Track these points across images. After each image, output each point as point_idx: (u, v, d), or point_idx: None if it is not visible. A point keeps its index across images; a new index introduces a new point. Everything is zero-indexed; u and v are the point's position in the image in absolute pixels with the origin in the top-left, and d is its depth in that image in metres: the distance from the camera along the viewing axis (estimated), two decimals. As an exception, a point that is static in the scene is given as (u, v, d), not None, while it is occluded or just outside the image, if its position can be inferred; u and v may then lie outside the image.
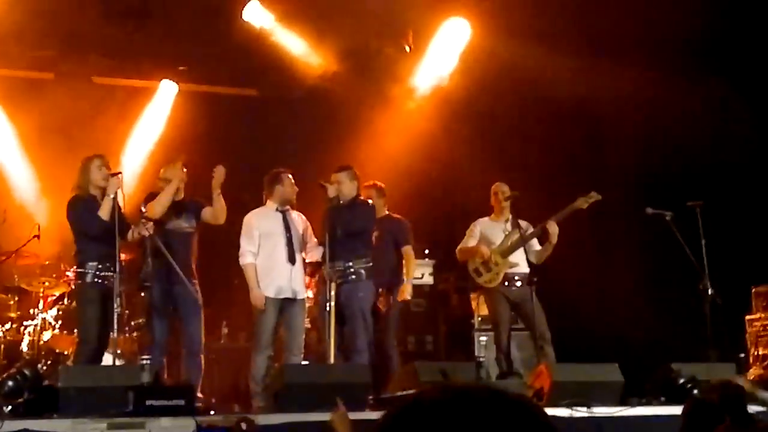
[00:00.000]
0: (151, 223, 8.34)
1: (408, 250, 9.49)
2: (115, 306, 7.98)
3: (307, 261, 9.07)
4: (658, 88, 10.40)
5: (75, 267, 8.47)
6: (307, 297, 9.06)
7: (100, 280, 8.20)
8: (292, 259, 8.68)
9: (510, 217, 9.35)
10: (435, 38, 12.07)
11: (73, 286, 9.25)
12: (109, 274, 8.16)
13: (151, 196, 8.66)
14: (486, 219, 9.53)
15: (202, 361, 8.56)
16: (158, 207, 8.44)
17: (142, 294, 8.68)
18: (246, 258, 8.69)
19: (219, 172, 8.51)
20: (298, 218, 8.92)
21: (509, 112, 11.45)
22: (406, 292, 9.40)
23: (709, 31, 10.03)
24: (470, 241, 9.44)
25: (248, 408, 8.43)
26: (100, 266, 8.19)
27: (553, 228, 9.09)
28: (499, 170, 10.69)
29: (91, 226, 8.18)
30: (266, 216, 8.82)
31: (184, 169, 8.76)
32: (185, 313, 8.55)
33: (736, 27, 10.18)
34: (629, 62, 10.63)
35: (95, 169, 8.34)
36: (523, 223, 9.29)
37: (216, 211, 8.60)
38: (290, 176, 8.90)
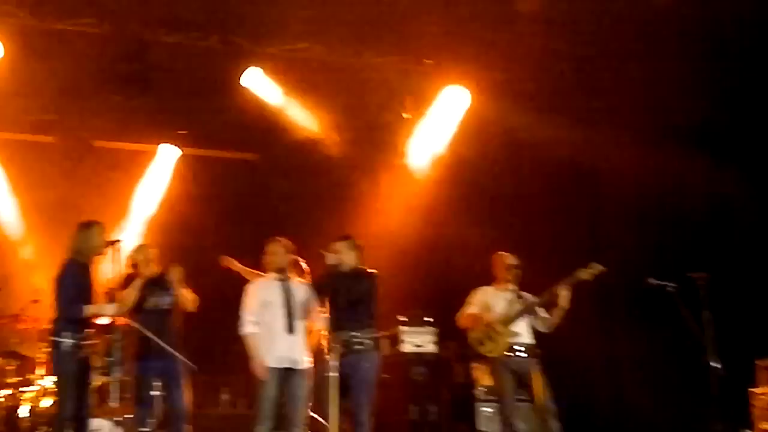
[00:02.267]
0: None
1: None
2: (112, 372, 8.08)
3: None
4: (658, 158, 10.44)
5: (51, 335, 8.19)
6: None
7: (78, 349, 8.09)
8: (290, 329, 8.62)
9: (514, 287, 9.30)
10: (434, 105, 12.14)
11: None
12: (87, 342, 8.15)
13: (126, 281, 8.67)
14: (489, 288, 9.47)
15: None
16: (127, 302, 8.51)
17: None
18: (246, 328, 8.63)
19: (174, 273, 8.86)
20: (300, 286, 8.87)
21: (509, 179, 11.50)
22: None
23: (709, 108, 10.11)
24: (471, 308, 9.34)
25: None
26: (78, 335, 8.11)
27: (563, 292, 9.02)
28: (499, 237, 10.71)
29: (88, 282, 8.13)
30: (266, 285, 8.78)
31: (151, 249, 8.90)
32: (169, 387, 8.67)
33: (736, 106, 10.25)
34: (629, 131, 10.71)
35: (95, 236, 8.29)
36: (525, 294, 9.25)
37: (184, 303, 8.93)
38: (280, 243, 8.86)
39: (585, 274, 8.98)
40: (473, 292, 9.46)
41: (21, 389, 9.85)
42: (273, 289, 8.73)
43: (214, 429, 10.10)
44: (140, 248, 9.00)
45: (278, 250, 8.83)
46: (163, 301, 8.83)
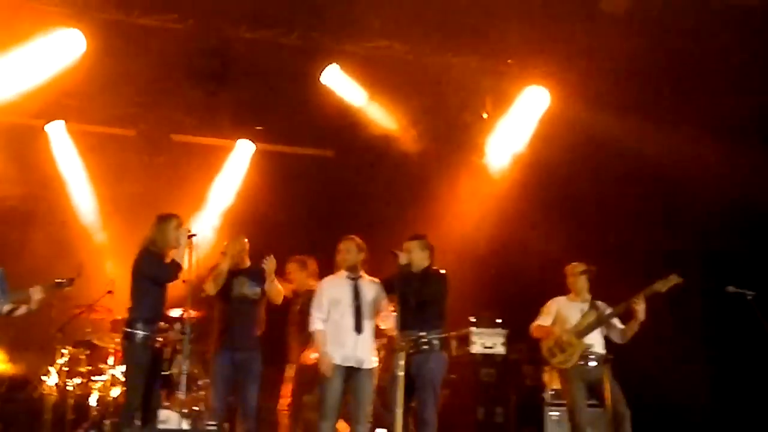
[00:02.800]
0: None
1: None
2: (183, 366, 8.09)
3: (382, 328, 9.04)
4: (744, 161, 10.18)
5: (125, 326, 8.31)
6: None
7: (150, 342, 8.20)
8: (359, 329, 8.59)
9: (589, 297, 9.18)
10: (514, 106, 12.01)
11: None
12: (159, 335, 8.29)
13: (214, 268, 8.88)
14: (563, 298, 9.35)
15: (256, 426, 8.71)
16: (212, 285, 8.77)
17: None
18: (315, 324, 8.65)
19: (270, 263, 8.80)
20: (370, 285, 8.83)
21: (587, 181, 11.30)
22: None
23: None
24: (546, 319, 9.26)
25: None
26: (151, 327, 8.21)
27: (639, 305, 8.88)
28: (573, 240, 10.56)
29: (166, 274, 8.22)
30: (336, 283, 8.76)
31: (246, 240, 9.01)
32: (243, 380, 8.74)
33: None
34: (713, 133, 10.43)
35: (172, 229, 8.36)
36: (600, 304, 9.11)
37: (271, 295, 8.94)
38: (353, 242, 8.83)
39: (662, 285, 8.82)
40: (549, 302, 9.35)
41: (92, 378, 9.98)
42: (343, 288, 8.72)
43: (279, 423, 10.12)
44: (237, 239, 9.08)
45: (351, 248, 8.83)
46: (251, 291, 8.92)
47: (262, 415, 9.10)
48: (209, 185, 12.59)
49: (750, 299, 8.75)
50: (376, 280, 8.84)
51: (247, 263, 9.01)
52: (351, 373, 8.55)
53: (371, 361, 8.68)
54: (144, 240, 8.40)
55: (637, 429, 8.81)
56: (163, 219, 8.42)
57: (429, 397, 8.39)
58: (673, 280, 8.83)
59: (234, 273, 8.88)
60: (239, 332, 8.77)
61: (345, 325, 8.61)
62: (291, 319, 9.55)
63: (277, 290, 8.96)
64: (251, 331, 8.84)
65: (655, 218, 11.27)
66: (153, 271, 8.23)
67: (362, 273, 8.82)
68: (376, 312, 8.75)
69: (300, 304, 9.37)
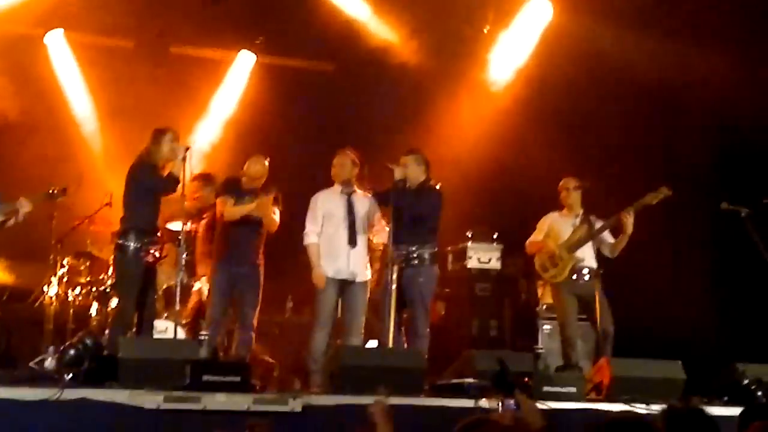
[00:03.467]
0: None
1: None
2: (178, 276, 8.18)
3: (375, 242, 9.12)
4: (745, 76, 10.07)
5: (117, 237, 8.35)
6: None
7: (143, 254, 8.22)
8: (352, 242, 8.69)
9: (581, 211, 9.23)
10: (515, 19, 11.88)
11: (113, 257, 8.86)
12: (153, 246, 8.29)
13: (228, 183, 8.92)
14: (556, 213, 9.45)
15: (252, 338, 8.77)
16: (233, 215, 8.73)
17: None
18: (309, 238, 8.74)
19: (272, 189, 8.85)
20: (364, 200, 8.88)
21: (587, 96, 11.18)
22: None
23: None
24: (539, 235, 9.37)
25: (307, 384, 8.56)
26: (146, 239, 8.23)
27: (628, 219, 8.94)
28: (572, 157, 10.54)
29: (162, 184, 8.24)
30: (330, 198, 8.83)
31: (266, 163, 8.93)
32: (243, 293, 8.80)
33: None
34: (716, 47, 10.28)
35: (166, 142, 8.37)
36: (592, 218, 9.16)
37: (269, 223, 8.88)
38: (348, 156, 8.84)
39: (652, 198, 8.88)
40: (543, 218, 9.42)
41: (92, 289, 10.10)
42: (336, 202, 8.79)
43: (279, 336, 10.29)
44: (256, 159, 9.00)
45: (345, 162, 8.87)
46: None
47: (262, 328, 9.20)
48: (210, 98, 12.55)
49: (744, 216, 8.79)
50: (369, 194, 8.89)
51: (260, 184, 8.93)
52: (344, 286, 8.66)
53: (364, 274, 8.78)
54: (140, 152, 8.43)
55: (624, 345, 8.95)
56: (159, 132, 8.42)
57: (420, 310, 8.53)
58: (663, 192, 8.90)
59: (243, 192, 8.86)
60: (243, 248, 8.80)
61: (338, 239, 8.70)
62: (200, 235, 9.60)
63: (273, 221, 8.89)
64: (254, 248, 8.85)
65: (654, 134, 11.21)
66: (148, 180, 8.25)
67: (355, 188, 8.86)
68: (369, 226, 8.82)
69: (208, 218, 9.44)
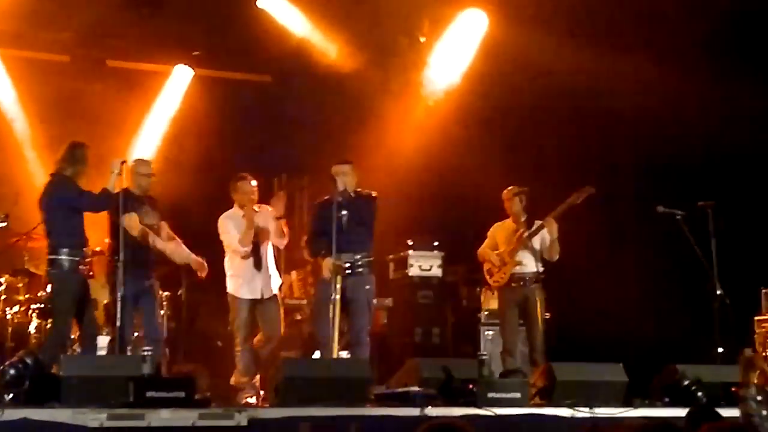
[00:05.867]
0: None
1: None
2: (118, 293, 8.04)
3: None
4: (676, 83, 10.25)
5: (49, 253, 8.23)
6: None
7: (77, 267, 8.14)
8: (257, 266, 8.90)
9: (524, 218, 9.34)
10: (450, 29, 11.96)
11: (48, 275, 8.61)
12: (85, 261, 8.21)
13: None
14: (499, 222, 9.58)
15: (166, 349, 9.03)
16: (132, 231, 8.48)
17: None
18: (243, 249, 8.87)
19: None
20: (262, 215, 8.94)
21: (524, 104, 11.34)
22: None
23: (730, 28, 9.93)
24: (486, 243, 9.52)
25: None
26: (77, 252, 8.15)
27: (551, 225, 9.11)
28: (510, 163, 10.66)
29: (101, 203, 8.13)
30: (235, 220, 8.95)
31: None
32: (146, 305, 8.69)
33: (756, 25, 10.06)
34: (648, 56, 10.53)
35: (81, 158, 8.29)
36: (537, 224, 9.27)
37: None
38: (244, 182, 8.96)
39: (576, 197, 9.10)
40: (492, 228, 9.56)
41: (31, 306, 9.97)
42: (240, 226, 8.92)
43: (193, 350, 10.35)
44: (142, 162, 9.02)
45: (247, 189, 8.97)
46: (147, 220, 8.70)
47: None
48: (147, 112, 12.46)
49: (679, 219, 8.97)
50: (268, 207, 8.98)
51: (148, 191, 8.84)
52: (256, 305, 8.93)
53: (271, 290, 9.01)
54: (57, 167, 8.33)
55: (564, 349, 9.07)
56: (81, 147, 8.36)
57: (364, 320, 8.57)
58: (587, 190, 9.11)
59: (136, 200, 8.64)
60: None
61: (247, 263, 8.91)
62: None
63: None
64: (148, 258, 8.73)
65: (592, 139, 11.35)
66: (84, 198, 8.15)
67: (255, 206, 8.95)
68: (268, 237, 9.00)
69: None
